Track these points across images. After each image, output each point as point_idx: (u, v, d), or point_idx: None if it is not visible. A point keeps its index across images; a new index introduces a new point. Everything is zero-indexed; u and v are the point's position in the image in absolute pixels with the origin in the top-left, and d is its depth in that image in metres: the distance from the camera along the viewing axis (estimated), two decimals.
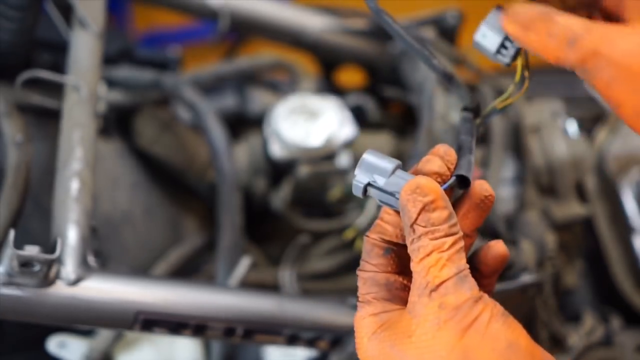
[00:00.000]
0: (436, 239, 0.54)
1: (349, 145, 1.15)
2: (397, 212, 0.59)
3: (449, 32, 1.22)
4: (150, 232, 1.09)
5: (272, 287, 1.07)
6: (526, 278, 0.92)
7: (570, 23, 0.57)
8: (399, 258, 0.59)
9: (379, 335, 0.57)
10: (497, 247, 0.62)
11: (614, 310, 1.13)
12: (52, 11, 0.93)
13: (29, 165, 0.83)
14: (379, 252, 0.59)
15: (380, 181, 0.58)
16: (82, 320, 0.81)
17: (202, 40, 1.86)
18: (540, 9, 0.57)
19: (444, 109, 1.11)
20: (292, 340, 0.89)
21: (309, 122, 1.14)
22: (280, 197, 1.14)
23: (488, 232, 1.00)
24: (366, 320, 0.58)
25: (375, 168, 0.58)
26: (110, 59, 1.13)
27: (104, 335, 0.98)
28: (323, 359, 1.00)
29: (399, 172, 0.58)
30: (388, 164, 0.58)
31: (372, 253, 0.59)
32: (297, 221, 1.15)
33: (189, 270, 1.09)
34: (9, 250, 0.73)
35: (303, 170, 1.13)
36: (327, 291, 1.09)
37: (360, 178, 0.59)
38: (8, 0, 0.88)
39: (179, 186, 1.15)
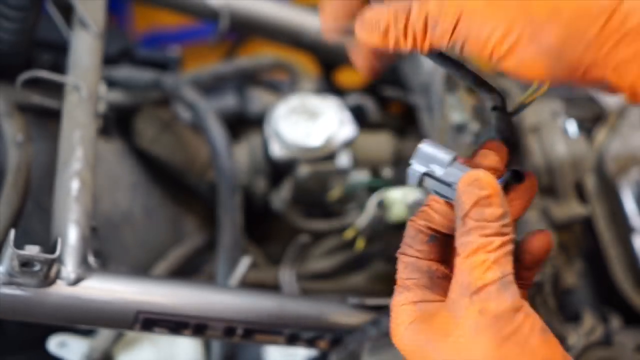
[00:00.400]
0: (485, 236, 0.53)
1: (349, 145, 1.15)
2: (449, 204, 0.58)
3: None
4: (151, 232, 1.09)
5: (272, 287, 1.07)
6: None
7: (425, 8, 0.55)
8: (443, 247, 0.58)
9: (416, 327, 0.55)
10: (544, 236, 0.59)
11: (613, 310, 1.14)
12: (53, 11, 0.93)
13: (29, 165, 0.84)
14: (424, 238, 0.58)
15: (439, 171, 0.57)
16: (82, 320, 0.81)
17: (202, 40, 1.86)
18: (389, 8, 0.56)
19: (445, 109, 1.11)
20: (292, 340, 0.89)
21: (309, 122, 1.14)
22: (280, 197, 1.14)
23: None
24: (405, 308, 0.57)
25: (432, 158, 0.58)
26: (110, 59, 1.13)
27: (105, 335, 0.98)
28: (323, 359, 1.00)
29: (457, 163, 0.58)
30: (446, 154, 0.58)
31: (417, 239, 0.58)
32: (297, 221, 1.15)
33: (189, 270, 1.09)
34: (10, 250, 0.73)
35: (303, 170, 1.13)
36: (327, 291, 1.09)
37: (416, 167, 0.58)
38: (9, 1, 0.88)
39: (179, 186, 1.15)
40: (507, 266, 0.53)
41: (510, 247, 0.53)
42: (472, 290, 0.52)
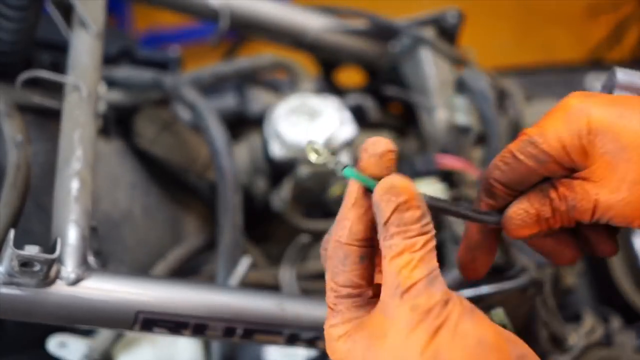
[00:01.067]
0: (408, 238, 0.54)
1: (349, 145, 1.15)
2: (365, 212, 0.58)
3: (449, 32, 1.22)
4: (150, 231, 1.09)
5: (272, 287, 1.07)
6: (526, 278, 0.91)
7: (562, 195, 0.62)
8: (371, 264, 0.58)
9: (353, 337, 0.56)
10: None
11: (613, 310, 1.14)
12: (53, 11, 0.93)
13: (29, 165, 0.83)
14: (355, 259, 0.57)
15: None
16: (82, 320, 0.81)
17: (202, 40, 1.86)
18: None
19: (450, 111, 1.12)
20: (292, 340, 0.89)
21: (309, 122, 1.14)
22: (280, 197, 1.14)
23: None
24: (337, 327, 0.57)
25: None
26: (110, 59, 1.13)
27: (104, 335, 0.98)
28: (323, 359, 1.00)
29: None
30: None
31: (348, 261, 0.57)
32: (297, 221, 1.15)
33: (189, 270, 1.09)
34: (9, 250, 0.73)
35: (303, 170, 1.13)
36: None
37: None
38: (9, 0, 0.88)
39: (179, 186, 1.15)
40: (432, 262, 0.54)
41: (432, 244, 0.55)
42: (402, 290, 0.53)
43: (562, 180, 0.62)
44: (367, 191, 0.57)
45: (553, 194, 0.62)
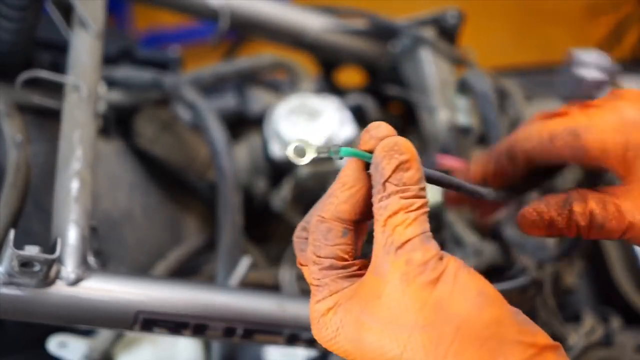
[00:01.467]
0: (405, 198, 0.53)
1: (349, 145, 1.15)
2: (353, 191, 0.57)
3: (449, 32, 1.22)
4: (150, 231, 1.09)
5: (272, 287, 1.07)
6: (526, 278, 0.92)
7: (589, 209, 0.60)
8: (354, 238, 0.57)
9: (343, 308, 0.54)
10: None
11: (613, 310, 1.14)
12: (53, 11, 0.93)
13: (29, 165, 0.83)
14: (338, 233, 0.56)
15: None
16: (82, 320, 0.81)
17: (202, 40, 1.86)
18: None
19: (451, 111, 1.12)
20: (292, 340, 0.89)
21: (309, 122, 1.14)
22: (280, 197, 1.14)
23: (488, 232, 1.00)
24: (323, 302, 0.56)
25: None
26: (110, 59, 1.13)
27: (104, 335, 0.98)
28: (323, 359, 1.00)
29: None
30: None
31: (330, 235, 0.56)
32: (297, 221, 1.15)
33: (189, 271, 1.09)
34: (9, 250, 0.73)
35: (303, 170, 1.13)
36: None
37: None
38: (8, 0, 0.88)
39: (179, 186, 1.15)
40: (426, 225, 0.53)
41: (427, 209, 0.54)
42: (396, 246, 0.52)
43: (594, 194, 0.60)
44: (363, 169, 0.56)
45: (577, 207, 0.60)
